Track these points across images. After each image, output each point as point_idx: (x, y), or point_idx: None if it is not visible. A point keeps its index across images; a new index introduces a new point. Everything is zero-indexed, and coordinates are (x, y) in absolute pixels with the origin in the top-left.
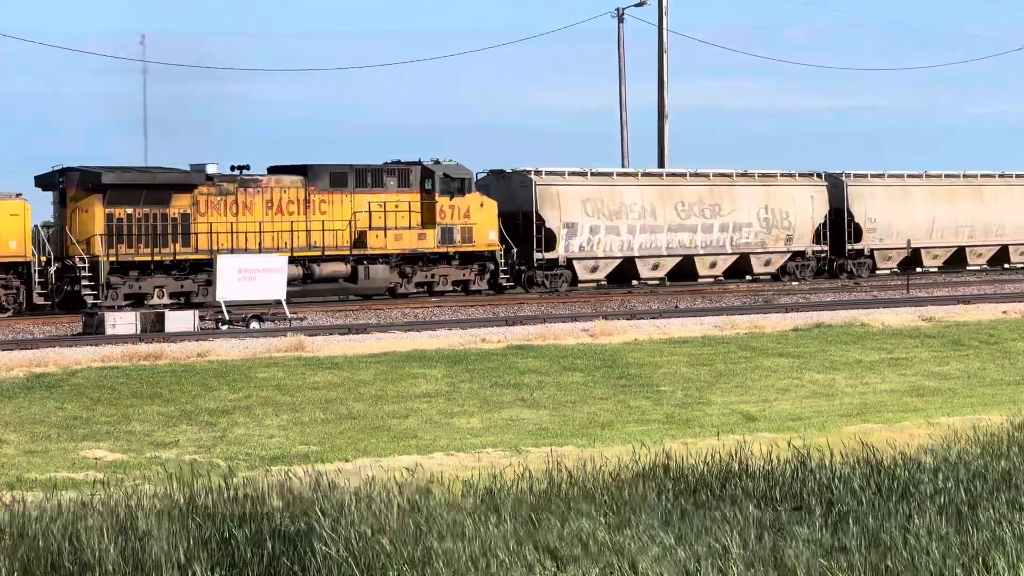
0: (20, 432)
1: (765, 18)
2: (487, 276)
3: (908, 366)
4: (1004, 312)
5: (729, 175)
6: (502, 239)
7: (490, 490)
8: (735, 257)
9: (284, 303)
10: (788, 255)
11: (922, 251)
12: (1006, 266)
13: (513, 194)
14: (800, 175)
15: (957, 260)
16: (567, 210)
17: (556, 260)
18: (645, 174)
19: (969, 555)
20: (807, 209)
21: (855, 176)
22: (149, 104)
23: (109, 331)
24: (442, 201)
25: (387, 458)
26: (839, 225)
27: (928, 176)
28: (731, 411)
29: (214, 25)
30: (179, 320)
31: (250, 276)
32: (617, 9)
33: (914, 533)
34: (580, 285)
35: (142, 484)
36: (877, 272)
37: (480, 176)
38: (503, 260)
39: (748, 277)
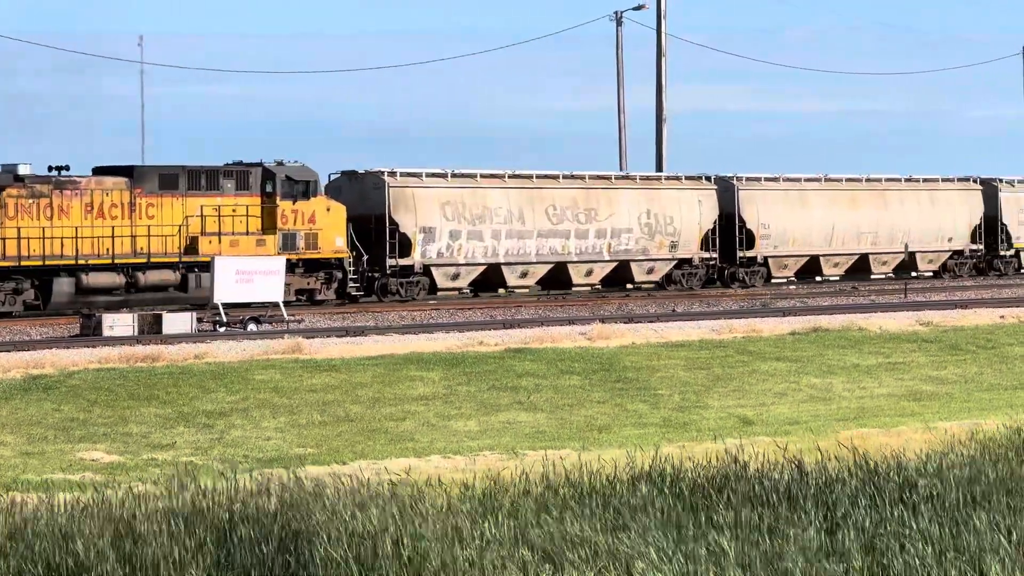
0: (17, 433)
1: (763, 21)
2: (335, 285)
3: (905, 370)
4: (1002, 317)
5: (607, 177)
6: (352, 245)
7: (487, 493)
8: (614, 265)
9: (282, 305)
10: (673, 263)
11: (821, 259)
12: (913, 275)
13: (366, 197)
14: (687, 178)
15: (860, 269)
16: (424, 213)
17: (412, 267)
18: (513, 176)
19: (964, 560)
20: (694, 214)
21: (747, 180)
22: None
23: (106, 332)
24: (284, 205)
25: (384, 460)
26: (731, 231)
27: (828, 180)
28: (728, 415)
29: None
30: (176, 322)
31: (247, 278)
32: (615, 12)
33: (910, 538)
34: (440, 293)
35: (139, 486)
36: (773, 281)
37: (333, 177)
38: (352, 268)
39: (629, 286)
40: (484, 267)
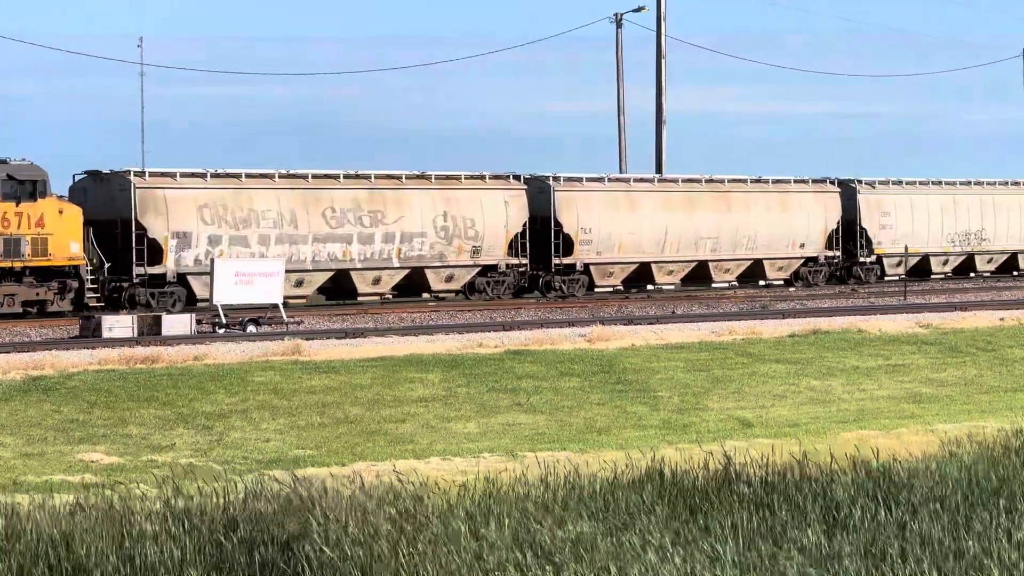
0: (16, 435)
1: (764, 24)
2: (70, 295)
3: (905, 373)
4: (1001, 319)
5: (398, 177)
6: (93, 252)
7: (486, 495)
8: (405, 272)
9: (281, 307)
10: (476, 270)
11: (653, 266)
12: (761, 283)
13: (112, 199)
14: (492, 177)
15: (699, 276)
16: (177, 217)
17: (164, 275)
18: (284, 176)
19: (964, 563)
20: (499, 217)
21: (565, 180)
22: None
23: (106, 334)
24: (7, 207)
25: (383, 462)
26: (547, 236)
27: (661, 181)
28: (728, 417)
29: (205, 29)
30: (176, 323)
31: (247, 280)
32: (616, 14)
33: (909, 541)
34: (199, 304)
35: (138, 487)
36: (597, 290)
37: (79, 178)
38: (90, 276)
39: (426, 295)
40: None
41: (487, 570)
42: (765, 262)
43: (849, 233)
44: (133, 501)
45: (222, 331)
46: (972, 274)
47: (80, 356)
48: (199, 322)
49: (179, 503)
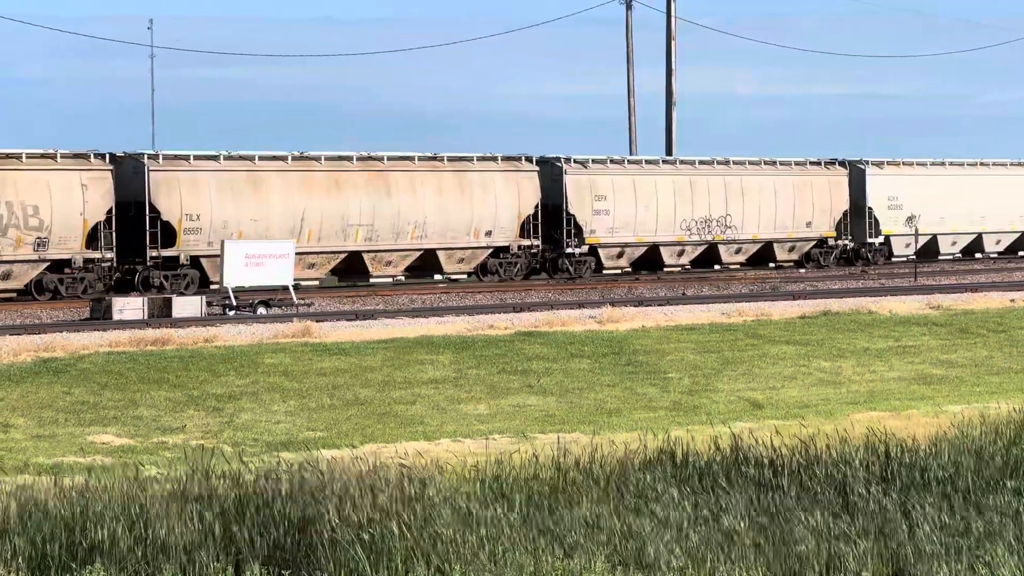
0: (28, 417)
1: (775, 5)
2: None
3: (915, 354)
4: (1012, 300)
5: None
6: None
7: (497, 476)
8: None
9: (292, 289)
10: (45, 265)
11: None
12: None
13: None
14: (64, 156)
15: (358, 270)
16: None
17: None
18: (297, 158)
19: (971, 542)
20: (75, 203)
21: (165, 158)
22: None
23: (116, 316)
24: None
25: (394, 444)
26: (139, 225)
27: (297, 159)
28: (738, 398)
29: (218, 10)
30: (186, 305)
31: (257, 262)
32: None
33: (918, 521)
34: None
35: (149, 469)
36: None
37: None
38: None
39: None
40: None
41: (499, 551)
42: (440, 253)
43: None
44: (145, 482)
45: (232, 313)
46: (717, 267)
47: (91, 338)
48: (209, 304)
49: (191, 485)
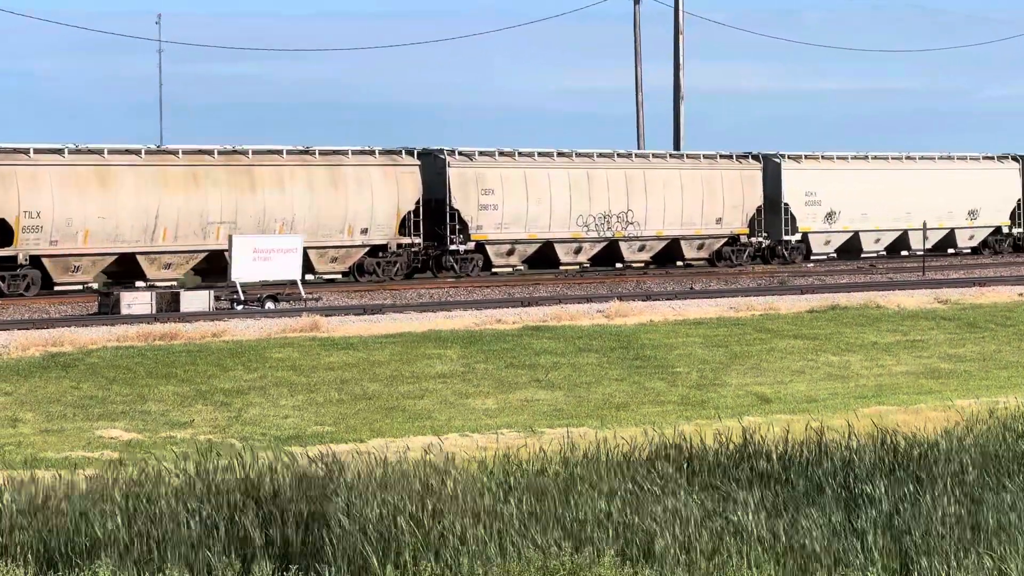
0: (36, 411)
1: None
2: None
3: (924, 348)
4: (1020, 295)
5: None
6: None
7: (505, 471)
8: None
9: (300, 283)
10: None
11: (139, 257)
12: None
13: None
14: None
15: (221, 270)
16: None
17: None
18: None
19: (981, 536)
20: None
21: (2, 151)
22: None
23: (124, 311)
24: None
25: (402, 438)
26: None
27: (152, 153)
28: (746, 393)
29: (229, 6)
30: (194, 300)
31: (265, 256)
32: None
33: (927, 516)
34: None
35: (157, 464)
36: (57, 289)
37: None
38: None
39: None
40: None
41: (507, 545)
42: (312, 252)
43: (437, 218)
44: (153, 477)
45: (240, 308)
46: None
47: (99, 333)
48: (217, 299)
49: (198, 480)
